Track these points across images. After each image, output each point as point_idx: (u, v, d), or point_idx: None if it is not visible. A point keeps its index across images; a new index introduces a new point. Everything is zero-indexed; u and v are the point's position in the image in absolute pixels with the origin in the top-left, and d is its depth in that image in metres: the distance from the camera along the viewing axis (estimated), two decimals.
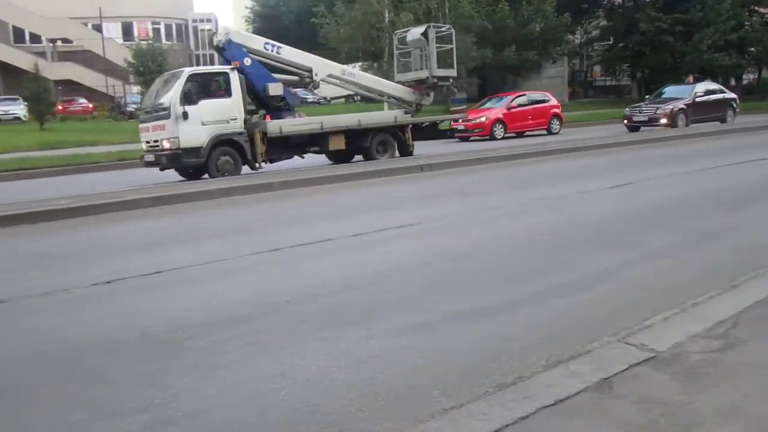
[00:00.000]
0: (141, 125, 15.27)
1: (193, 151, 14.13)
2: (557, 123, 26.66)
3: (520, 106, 26.10)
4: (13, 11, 52.55)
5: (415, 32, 17.91)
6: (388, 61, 35.36)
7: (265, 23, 68.97)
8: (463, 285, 5.32)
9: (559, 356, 3.66)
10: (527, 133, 26.29)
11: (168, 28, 60.44)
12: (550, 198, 9.63)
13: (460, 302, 4.80)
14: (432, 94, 18.63)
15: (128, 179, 15.20)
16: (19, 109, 40.89)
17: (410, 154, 17.12)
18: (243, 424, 3.16)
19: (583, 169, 13.26)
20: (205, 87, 14.81)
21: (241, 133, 14.68)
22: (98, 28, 53.20)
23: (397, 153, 17.09)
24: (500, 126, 25.11)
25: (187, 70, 14.91)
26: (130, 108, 40.87)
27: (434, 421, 3.01)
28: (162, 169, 14.70)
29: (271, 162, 15.63)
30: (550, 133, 25.97)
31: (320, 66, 16.83)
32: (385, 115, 17.44)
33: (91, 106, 43.64)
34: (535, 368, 3.52)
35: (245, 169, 14.91)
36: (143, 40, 51.21)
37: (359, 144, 16.56)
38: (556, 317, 4.42)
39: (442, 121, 19.42)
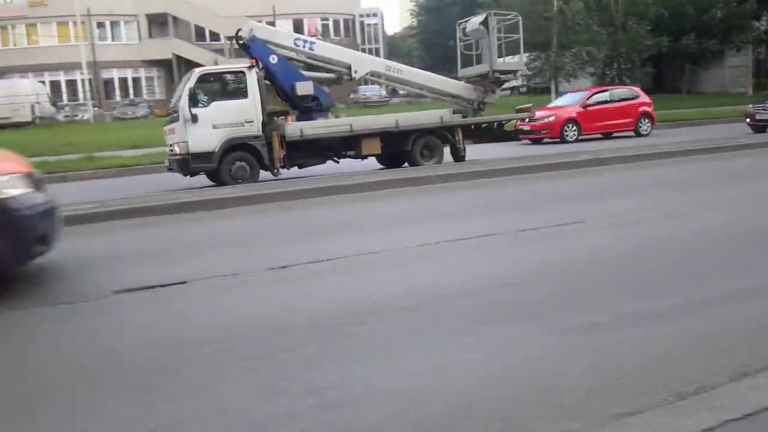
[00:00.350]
0: (163, 128, 14.87)
1: (204, 156, 13.41)
2: (647, 123, 22.74)
3: (599, 103, 22.42)
4: (196, 11, 56.05)
5: (474, 21, 16.22)
6: (557, 51, 34.53)
7: (430, 16, 69.50)
8: (638, 285, 5.07)
9: (746, 368, 3.38)
10: (603, 134, 22.71)
11: (336, 23, 62.13)
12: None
13: (633, 303, 4.57)
14: (497, 91, 16.63)
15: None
16: None
17: (462, 159, 15.46)
18: (405, 413, 3.15)
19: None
20: (219, 87, 14.26)
21: (257, 137, 13.74)
22: (271, 25, 55.68)
23: (450, 158, 15.56)
24: (573, 126, 21.67)
25: (198, 70, 14.08)
26: None
27: (608, 428, 2.87)
28: (184, 175, 13.99)
29: (299, 167, 14.61)
30: (638, 134, 22.24)
31: (360, 62, 15.72)
32: (429, 116, 15.51)
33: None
34: (719, 379, 3.27)
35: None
36: (312, 35, 53.03)
37: (400, 148, 14.98)
38: (743, 324, 4.10)
39: (508, 121, 17.07)
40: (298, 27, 58.34)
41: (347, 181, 12.07)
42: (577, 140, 21.23)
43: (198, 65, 52.12)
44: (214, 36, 57.71)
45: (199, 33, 58.73)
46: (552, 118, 21.64)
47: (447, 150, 15.69)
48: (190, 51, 55.27)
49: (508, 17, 16.48)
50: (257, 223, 9.55)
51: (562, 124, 21.62)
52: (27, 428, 3.33)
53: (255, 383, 3.61)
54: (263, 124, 13.90)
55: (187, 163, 13.52)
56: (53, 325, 5.02)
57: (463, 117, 15.82)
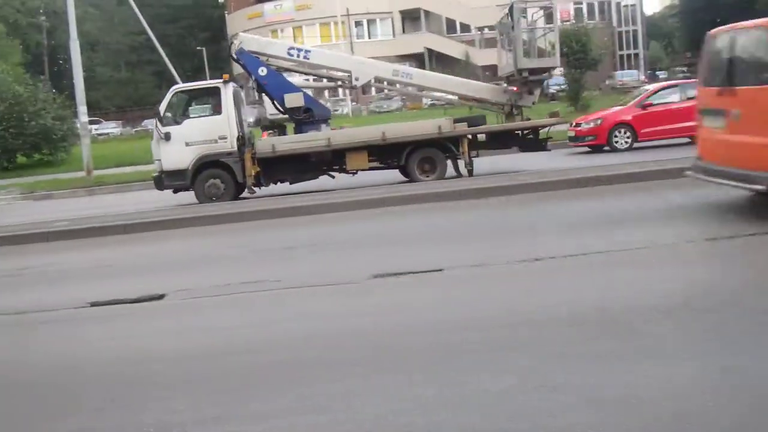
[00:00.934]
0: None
1: (177, 174, 13.17)
2: None
3: (664, 102, 17.79)
4: (447, 4, 57.16)
5: (503, 13, 14.17)
6: None
7: None
8: None
9: None
10: (673, 140, 17.31)
11: (590, 6, 59.97)
12: None
13: None
14: (536, 92, 14.31)
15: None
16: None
17: (469, 173, 13.47)
18: (673, 417, 2.98)
19: None
20: (193, 104, 13.98)
21: (230, 154, 13.19)
22: (523, 16, 55.08)
23: (464, 172, 13.56)
24: (625, 132, 17.55)
25: (173, 88, 13.94)
26: (552, 90, 41.50)
27: None
28: (175, 192, 13.77)
29: (276, 183, 13.74)
30: None
31: (362, 68, 14.54)
32: (424, 126, 13.85)
33: (515, 89, 45.34)
34: None
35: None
36: (565, 21, 51.61)
37: (393, 162, 13.71)
38: None
39: (541, 126, 14.27)
40: (549, 13, 57.06)
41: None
42: (630, 148, 17.24)
43: (449, 57, 53.25)
44: (465, 28, 58.38)
45: (450, 25, 59.70)
46: (599, 122, 17.91)
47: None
48: (441, 44, 56.41)
49: (543, 5, 14.39)
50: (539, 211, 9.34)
51: (610, 129, 17.67)
52: None
53: (515, 373, 3.60)
54: (241, 140, 13.41)
55: (161, 181, 13.50)
56: None
57: (472, 125, 13.78)
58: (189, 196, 13.63)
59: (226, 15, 63.04)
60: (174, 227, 10.62)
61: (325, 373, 3.88)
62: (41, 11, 63.51)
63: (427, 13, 58.42)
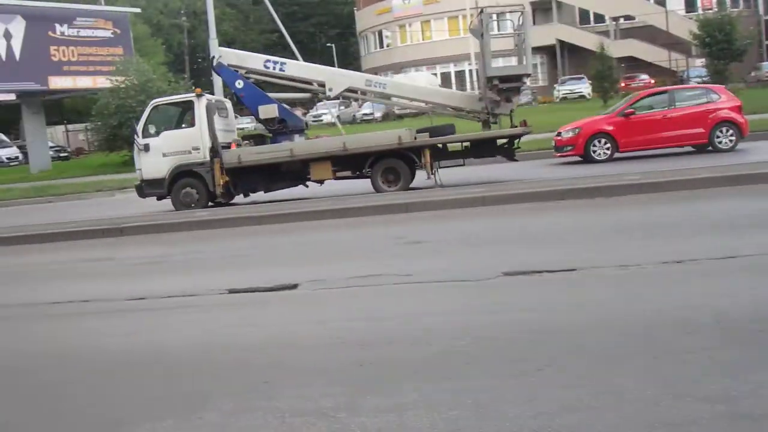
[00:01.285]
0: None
1: (155, 182, 13.90)
2: (729, 134, 15.95)
3: (650, 109, 16.63)
4: None
5: (476, 20, 13.56)
6: None
7: None
8: None
9: None
10: (665, 150, 16.45)
11: None
12: None
13: None
14: (515, 99, 13.85)
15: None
16: (584, 87, 43.40)
17: (438, 185, 13.43)
18: None
19: None
20: (171, 117, 14.63)
21: (202, 164, 13.70)
22: (661, 2, 52.80)
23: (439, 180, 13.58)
24: (604, 142, 16.27)
25: (152, 102, 14.73)
26: (693, 82, 39.62)
27: None
28: (159, 199, 14.27)
29: (246, 195, 14.43)
30: (714, 149, 15.85)
31: (335, 78, 14.83)
32: (384, 136, 13.90)
33: (653, 81, 43.60)
34: None
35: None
36: (707, 9, 49.12)
37: (357, 172, 13.76)
38: None
39: (510, 136, 13.80)
40: (690, 1, 54.73)
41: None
42: (610, 159, 16.08)
43: (582, 49, 51.76)
44: (599, 18, 56.66)
45: (583, 16, 58.03)
46: (578, 130, 16.80)
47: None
48: (573, 35, 54.95)
49: (511, 11, 13.58)
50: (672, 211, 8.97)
51: (588, 139, 16.49)
52: None
53: (656, 381, 3.44)
54: (213, 150, 13.67)
55: (142, 190, 14.28)
56: None
57: (435, 135, 13.58)
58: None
59: (355, 11, 63.99)
60: (299, 220, 10.94)
61: (453, 370, 3.85)
62: (182, 12, 66.67)
63: (559, 3, 56.99)
